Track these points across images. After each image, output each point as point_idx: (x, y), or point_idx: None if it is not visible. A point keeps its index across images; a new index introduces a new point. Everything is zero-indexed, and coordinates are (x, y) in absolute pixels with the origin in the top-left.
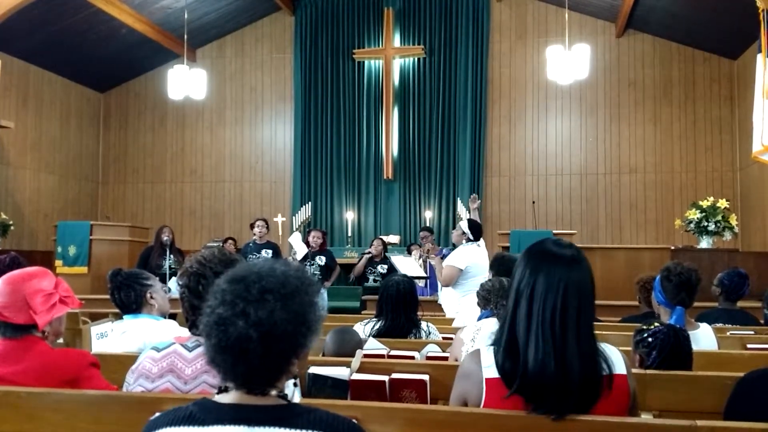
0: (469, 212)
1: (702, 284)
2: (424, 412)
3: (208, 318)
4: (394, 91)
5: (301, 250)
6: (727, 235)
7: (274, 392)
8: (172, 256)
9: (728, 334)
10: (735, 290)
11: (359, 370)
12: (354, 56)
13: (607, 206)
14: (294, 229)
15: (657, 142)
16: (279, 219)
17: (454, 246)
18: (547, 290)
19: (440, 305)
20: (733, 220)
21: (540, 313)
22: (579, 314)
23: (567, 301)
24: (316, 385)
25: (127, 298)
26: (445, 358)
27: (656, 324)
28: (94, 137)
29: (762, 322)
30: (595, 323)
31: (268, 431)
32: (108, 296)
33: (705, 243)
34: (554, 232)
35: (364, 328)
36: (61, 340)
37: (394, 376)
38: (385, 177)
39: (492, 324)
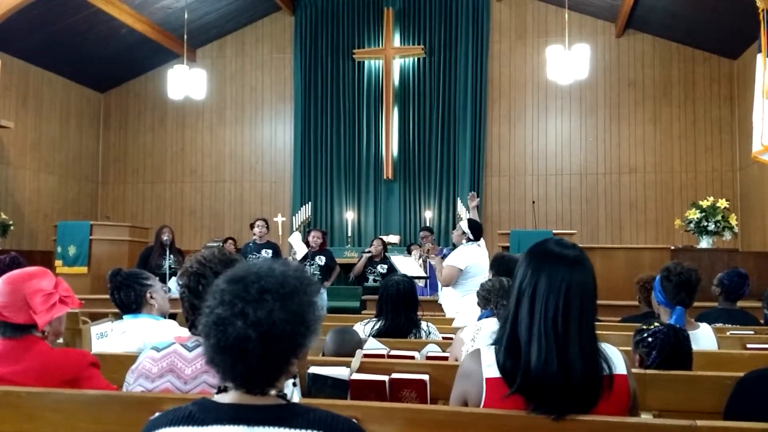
0: (468, 210)
1: (702, 284)
2: (424, 412)
3: (207, 318)
4: (394, 91)
5: (301, 250)
6: (727, 235)
7: (273, 392)
8: (172, 256)
9: (728, 334)
10: (735, 290)
11: (359, 370)
12: (354, 56)
13: (607, 206)
14: (294, 229)
15: (657, 142)
16: (279, 219)
17: (454, 246)
18: (549, 290)
19: (440, 305)
20: (733, 220)
21: (542, 312)
22: (581, 314)
23: (569, 301)
24: (316, 385)
25: (127, 298)
26: (445, 358)
27: (656, 324)
28: (94, 137)
29: (762, 322)
30: (596, 323)
31: (267, 431)
32: (108, 296)
33: (705, 243)
34: (554, 232)
35: (364, 328)
36: (61, 340)
37: (394, 376)
38: (385, 177)
39: (492, 324)
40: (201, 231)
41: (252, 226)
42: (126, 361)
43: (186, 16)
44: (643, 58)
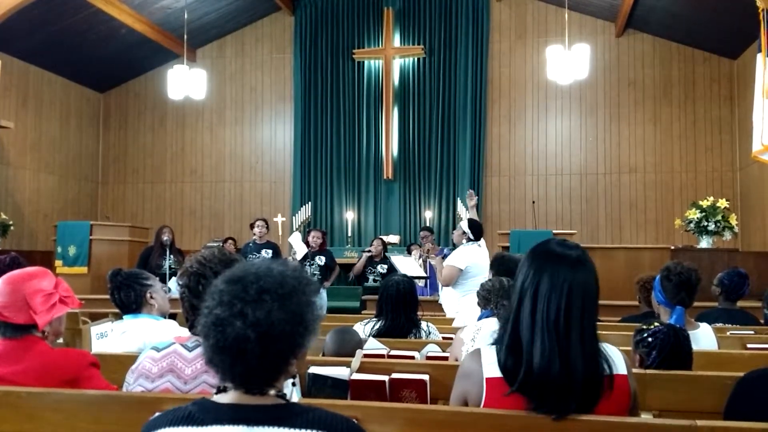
0: (467, 209)
1: (702, 284)
2: (424, 412)
3: (205, 319)
4: (394, 91)
5: (300, 250)
6: (727, 235)
7: (272, 392)
8: (172, 256)
9: (728, 333)
10: (735, 290)
11: (359, 370)
12: (354, 56)
13: (607, 206)
14: (294, 229)
15: (657, 142)
16: (279, 219)
17: (455, 246)
18: (551, 290)
19: (440, 305)
20: (733, 220)
21: (544, 312)
22: (583, 314)
23: (571, 301)
24: (316, 385)
25: (127, 298)
26: (445, 358)
27: (656, 324)
28: (93, 137)
29: (762, 322)
30: (597, 323)
31: (267, 431)
32: (108, 296)
33: (705, 243)
34: (554, 232)
35: (364, 328)
36: (61, 340)
37: (394, 376)
38: (385, 177)
39: (492, 324)
40: (201, 231)
41: (252, 226)
42: (126, 361)
43: (186, 16)
44: (643, 58)
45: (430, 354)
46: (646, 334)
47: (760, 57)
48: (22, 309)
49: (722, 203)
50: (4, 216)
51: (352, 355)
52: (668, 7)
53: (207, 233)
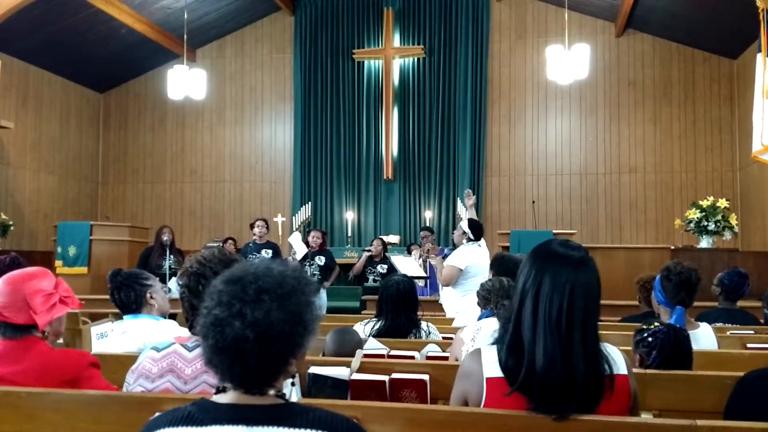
0: (466, 209)
1: (702, 284)
2: (424, 412)
3: (204, 319)
4: (394, 91)
5: (300, 250)
6: (727, 235)
7: (272, 392)
8: (172, 256)
9: (728, 333)
10: (735, 290)
11: (359, 370)
12: (354, 56)
13: (607, 206)
14: (294, 229)
15: (657, 142)
16: (279, 219)
17: (455, 246)
18: (553, 290)
19: (440, 305)
20: (733, 220)
21: (546, 312)
22: (585, 315)
23: (573, 301)
24: (316, 385)
25: (127, 298)
26: (445, 358)
27: (656, 324)
28: (93, 137)
29: (762, 321)
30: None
31: (266, 431)
32: (108, 296)
33: (705, 243)
34: (554, 232)
35: (364, 328)
36: (61, 340)
37: (394, 376)
38: (385, 177)
39: (492, 324)
40: (201, 231)
41: (252, 226)
42: (126, 361)
43: (186, 16)
44: (643, 58)
45: (430, 354)
46: (646, 334)
47: (760, 57)
48: (22, 309)
49: (722, 203)
50: (4, 216)
51: (352, 355)
52: (668, 7)
53: (207, 233)
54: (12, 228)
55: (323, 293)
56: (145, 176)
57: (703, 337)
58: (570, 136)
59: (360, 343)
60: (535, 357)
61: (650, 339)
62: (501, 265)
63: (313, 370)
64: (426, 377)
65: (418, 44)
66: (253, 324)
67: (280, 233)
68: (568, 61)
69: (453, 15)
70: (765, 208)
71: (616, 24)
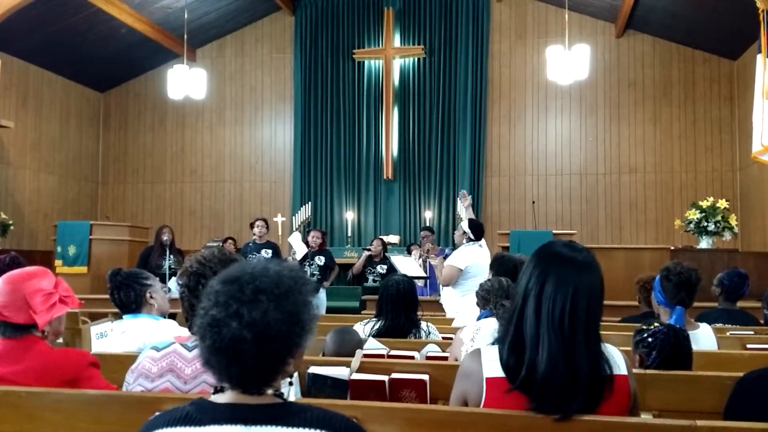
0: (465, 210)
1: (702, 284)
2: (423, 412)
3: (201, 320)
4: (394, 91)
5: (300, 250)
6: (727, 235)
7: (270, 391)
8: (172, 256)
9: (728, 334)
10: (735, 290)
11: (359, 370)
12: (354, 56)
13: (607, 206)
14: (294, 229)
15: (657, 142)
16: (279, 219)
17: (455, 246)
18: (556, 291)
19: (440, 305)
20: (733, 220)
21: (549, 312)
22: (588, 316)
23: (576, 303)
24: (316, 385)
25: (127, 297)
26: (445, 358)
27: (656, 324)
28: (93, 137)
29: (762, 322)
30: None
31: (265, 430)
32: (108, 296)
33: (705, 243)
34: (554, 232)
35: (364, 328)
36: (60, 340)
37: (394, 376)
38: (385, 177)
39: (491, 324)
40: (201, 231)
41: (252, 226)
42: (126, 361)
43: (186, 16)
44: (643, 59)
45: (429, 354)
46: (646, 335)
47: (760, 58)
48: (21, 308)
49: (722, 203)
50: (4, 216)
51: (352, 355)
52: (668, 7)
53: (207, 233)
54: (12, 227)
55: (322, 293)
56: (145, 176)
57: (703, 338)
58: (570, 136)
59: (360, 343)
60: (537, 356)
61: (650, 339)
62: (501, 265)
63: (313, 370)
64: (426, 377)
65: (419, 44)
66: (251, 324)
67: (280, 233)
68: (569, 61)
69: (453, 15)
70: (765, 208)
71: (617, 24)
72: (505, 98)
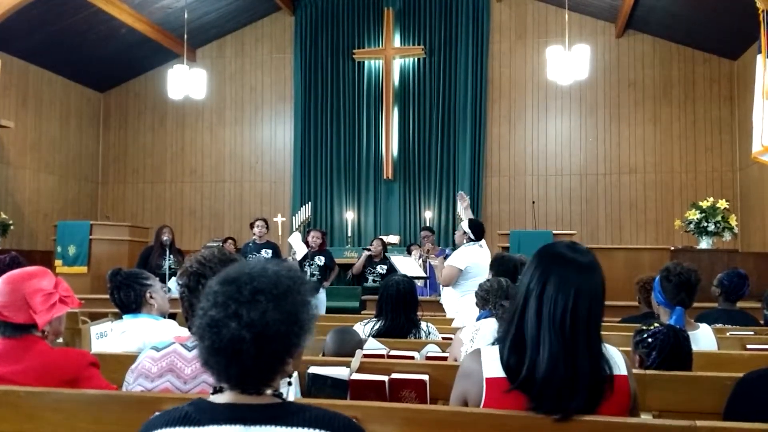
0: (463, 211)
1: (702, 284)
2: (423, 412)
3: (200, 320)
4: (394, 91)
5: (300, 250)
6: (727, 236)
7: (269, 391)
8: (172, 256)
9: (728, 334)
10: (735, 291)
11: (359, 370)
12: (354, 56)
13: (607, 206)
14: (294, 229)
15: (657, 142)
16: (279, 219)
17: (456, 246)
18: (557, 292)
19: (440, 305)
20: (733, 221)
21: (550, 313)
22: (589, 317)
23: (578, 304)
24: (316, 385)
25: (127, 297)
26: (445, 358)
27: (656, 324)
28: (93, 137)
29: (762, 322)
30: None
31: (264, 430)
32: (108, 296)
33: (705, 243)
34: (554, 232)
35: (364, 328)
36: (60, 340)
37: (394, 376)
38: (385, 177)
39: (491, 324)
40: (201, 231)
41: (252, 226)
42: (126, 361)
43: (186, 15)
44: (643, 59)
45: (429, 354)
46: (645, 335)
47: (760, 58)
48: (21, 308)
49: (722, 204)
50: (4, 216)
51: (352, 355)
52: (668, 7)
53: (207, 233)
54: (12, 227)
55: (322, 293)
56: (145, 176)
57: (703, 338)
58: (570, 136)
59: (360, 343)
60: (537, 356)
61: (650, 340)
62: (501, 265)
63: (313, 370)
64: (425, 377)
65: (419, 44)
66: (249, 325)
67: (280, 233)
68: (569, 61)
69: (453, 15)
70: (765, 208)
71: (617, 25)
72: (505, 98)
